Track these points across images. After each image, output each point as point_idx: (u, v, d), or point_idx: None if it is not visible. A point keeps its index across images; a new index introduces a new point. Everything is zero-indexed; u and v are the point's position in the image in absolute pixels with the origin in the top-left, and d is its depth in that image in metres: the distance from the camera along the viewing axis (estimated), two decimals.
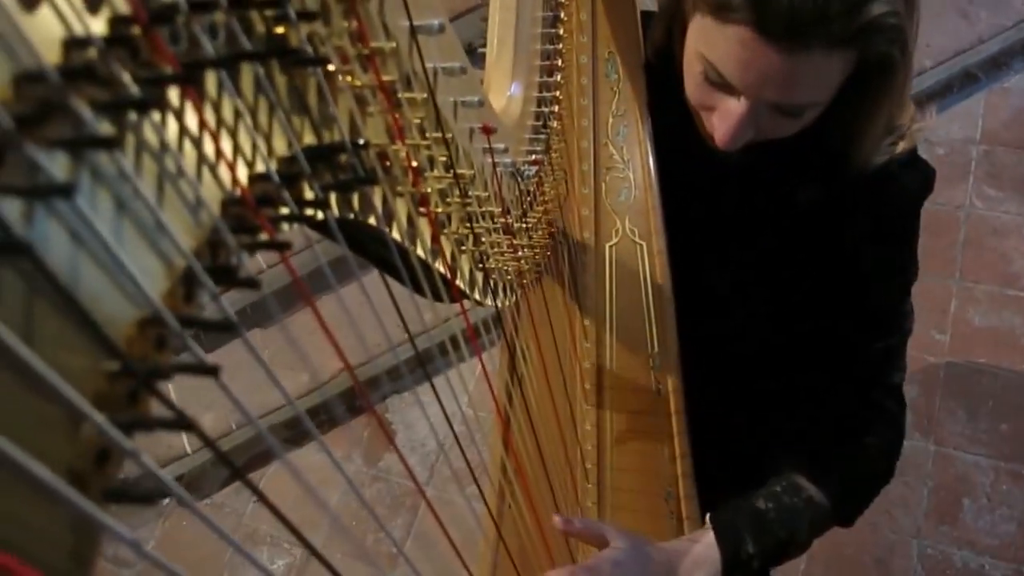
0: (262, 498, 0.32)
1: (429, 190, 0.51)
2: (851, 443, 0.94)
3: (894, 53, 0.72)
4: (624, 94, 0.98)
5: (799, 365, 1.01)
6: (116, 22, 0.26)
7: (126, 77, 0.26)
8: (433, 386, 0.59)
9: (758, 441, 1.06)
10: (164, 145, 0.28)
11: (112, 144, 0.24)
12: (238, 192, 0.31)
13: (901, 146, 0.82)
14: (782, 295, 0.97)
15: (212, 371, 0.27)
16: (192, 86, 0.27)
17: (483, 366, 0.71)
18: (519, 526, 0.96)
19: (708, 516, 0.91)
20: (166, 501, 1.74)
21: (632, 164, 1.00)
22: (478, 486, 0.81)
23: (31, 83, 0.24)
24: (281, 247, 0.32)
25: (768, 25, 0.69)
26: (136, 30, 0.26)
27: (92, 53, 0.25)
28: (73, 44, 0.25)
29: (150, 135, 0.28)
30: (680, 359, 0.99)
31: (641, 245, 1.01)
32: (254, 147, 0.33)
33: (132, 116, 0.27)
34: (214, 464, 2.20)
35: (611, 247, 1.03)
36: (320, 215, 0.38)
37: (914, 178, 0.88)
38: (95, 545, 0.26)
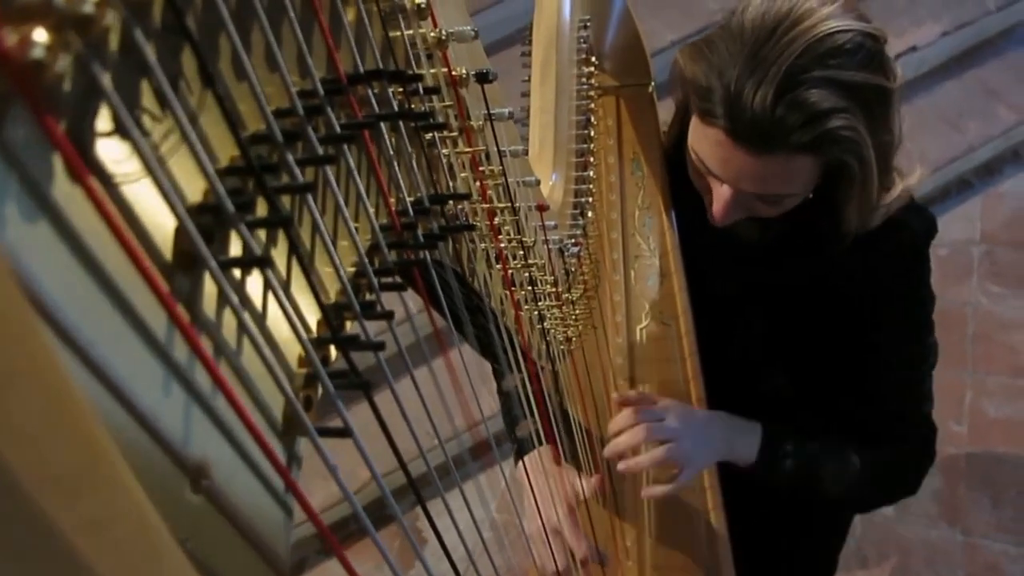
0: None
1: (504, 245, 0.60)
2: (885, 448, 1.02)
3: (850, 161, 0.83)
4: (648, 189, 1.09)
5: (828, 426, 1.07)
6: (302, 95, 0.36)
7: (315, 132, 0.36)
8: (463, 492, 0.57)
9: (789, 504, 1.12)
10: (336, 182, 0.38)
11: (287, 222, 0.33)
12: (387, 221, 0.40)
13: (895, 205, 0.91)
14: (807, 356, 1.04)
15: (345, 432, 0.33)
16: (372, 129, 0.36)
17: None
18: None
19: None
20: None
21: (658, 252, 1.10)
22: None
23: (227, 176, 0.30)
24: (389, 315, 0.39)
25: (738, 131, 0.81)
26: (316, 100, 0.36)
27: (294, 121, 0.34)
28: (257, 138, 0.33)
29: (332, 175, 0.37)
30: None
31: (669, 327, 1.10)
32: (388, 189, 0.43)
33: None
34: None
35: (641, 330, 1.11)
36: (428, 255, 0.47)
37: (918, 220, 0.97)
38: None
